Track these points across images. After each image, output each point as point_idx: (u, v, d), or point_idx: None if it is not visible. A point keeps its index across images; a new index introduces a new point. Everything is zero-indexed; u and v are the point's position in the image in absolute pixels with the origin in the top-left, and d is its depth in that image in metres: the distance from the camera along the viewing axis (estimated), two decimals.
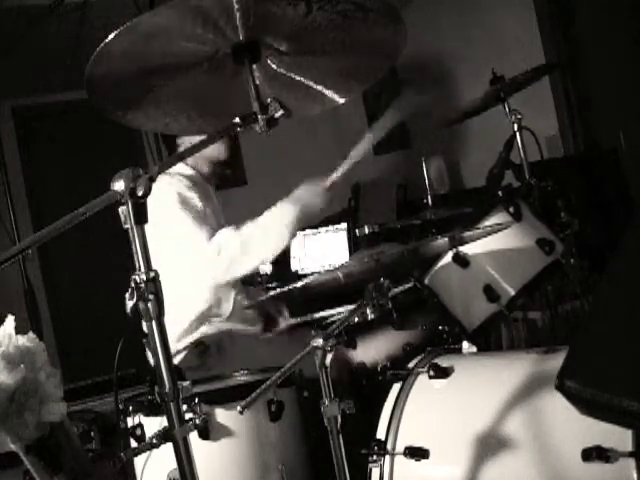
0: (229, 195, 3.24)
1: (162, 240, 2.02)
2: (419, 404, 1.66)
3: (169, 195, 2.30)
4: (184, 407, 1.21)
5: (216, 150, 2.49)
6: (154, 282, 1.14)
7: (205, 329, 2.40)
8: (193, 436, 1.23)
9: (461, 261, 2.07)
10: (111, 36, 1.16)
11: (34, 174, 4.84)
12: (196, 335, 2.37)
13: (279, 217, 2.28)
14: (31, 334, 1.19)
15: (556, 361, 1.42)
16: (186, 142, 2.43)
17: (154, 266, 1.15)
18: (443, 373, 1.66)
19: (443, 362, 1.69)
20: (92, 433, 3.20)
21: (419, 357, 1.79)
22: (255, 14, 1.22)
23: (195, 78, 1.37)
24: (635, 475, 1.24)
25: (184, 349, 2.33)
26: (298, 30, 1.30)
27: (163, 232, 2.11)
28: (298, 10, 1.23)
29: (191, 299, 2.33)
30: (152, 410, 1.73)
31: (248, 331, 2.50)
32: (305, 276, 1.74)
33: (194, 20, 1.21)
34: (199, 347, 2.35)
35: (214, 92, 1.45)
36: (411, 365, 1.75)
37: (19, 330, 1.18)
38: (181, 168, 2.46)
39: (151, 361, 2.32)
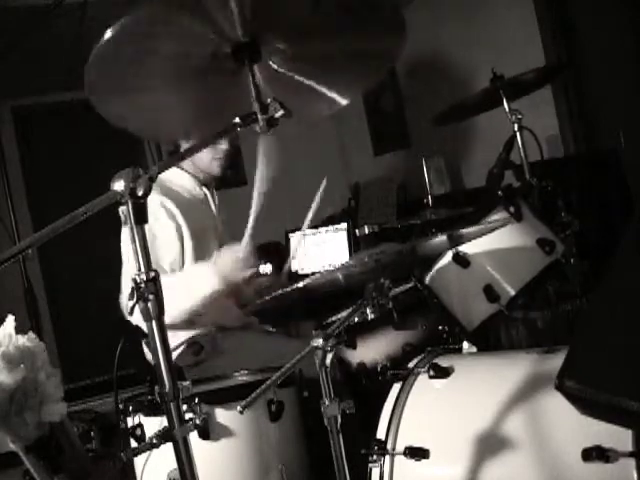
0: (229, 195, 3.23)
1: None
2: (419, 404, 1.66)
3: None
4: (184, 407, 1.21)
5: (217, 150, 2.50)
6: (154, 282, 1.14)
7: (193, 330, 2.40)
8: (193, 436, 1.23)
9: (461, 261, 2.07)
10: (108, 34, 1.16)
11: (34, 174, 4.83)
12: (183, 336, 2.37)
13: (196, 278, 2.27)
14: (31, 334, 1.19)
15: (556, 361, 1.42)
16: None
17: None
18: (443, 373, 1.66)
19: (443, 362, 1.69)
20: (92, 433, 3.20)
21: (419, 357, 1.78)
22: (256, 12, 1.22)
23: (195, 78, 1.37)
24: (635, 475, 1.24)
25: (175, 348, 2.33)
26: (299, 32, 1.30)
27: None
28: (304, 8, 1.23)
29: None
30: (152, 410, 1.73)
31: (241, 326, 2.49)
32: (305, 276, 1.73)
33: (194, 19, 1.21)
34: (193, 347, 2.35)
35: (215, 92, 1.45)
36: (411, 365, 1.75)
37: (19, 330, 1.18)
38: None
39: (149, 359, 2.32)
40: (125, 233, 2.35)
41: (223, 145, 2.49)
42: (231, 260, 2.25)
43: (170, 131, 1.52)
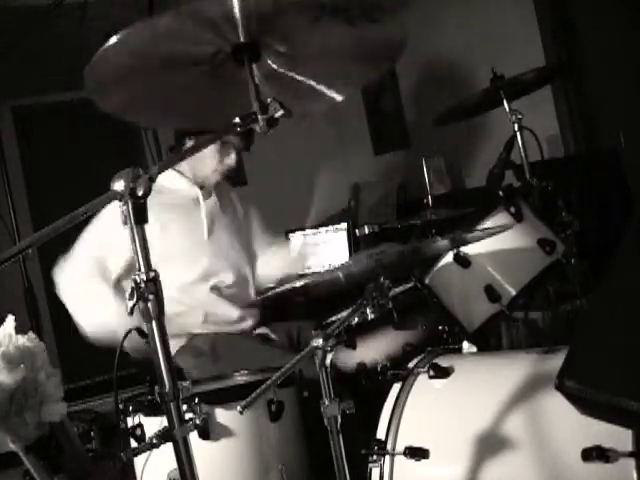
0: None
1: None
2: (419, 404, 1.66)
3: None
4: (184, 407, 1.21)
5: (227, 157, 2.47)
6: (154, 282, 1.14)
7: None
8: (193, 436, 1.23)
9: (462, 261, 2.07)
10: (113, 40, 1.16)
11: (34, 174, 4.83)
12: (182, 339, 2.37)
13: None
14: (31, 334, 1.19)
15: (556, 361, 1.42)
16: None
17: None
18: (443, 373, 1.66)
19: (443, 362, 1.69)
20: (92, 433, 3.20)
21: (419, 357, 1.78)
22: (257, 17, 1.22)
23: (195, 78, 1.37)
24: (635, 475, 1.24)
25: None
26: (299, 34, 1.30)
27: None
28: (307, 17, 1.23)
29: None
30: (152, 410, 1.73)
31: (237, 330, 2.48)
32: (305, 276, 1.74)
33: (195, 23, 1.21)
34: (192, 351, 2.34)
35: (215, 92, 1.45)
36: (411, 365, 1.75)
37: (19, 330, 1.18)
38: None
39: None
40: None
41: (230, 161, 2.44)
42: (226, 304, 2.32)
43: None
